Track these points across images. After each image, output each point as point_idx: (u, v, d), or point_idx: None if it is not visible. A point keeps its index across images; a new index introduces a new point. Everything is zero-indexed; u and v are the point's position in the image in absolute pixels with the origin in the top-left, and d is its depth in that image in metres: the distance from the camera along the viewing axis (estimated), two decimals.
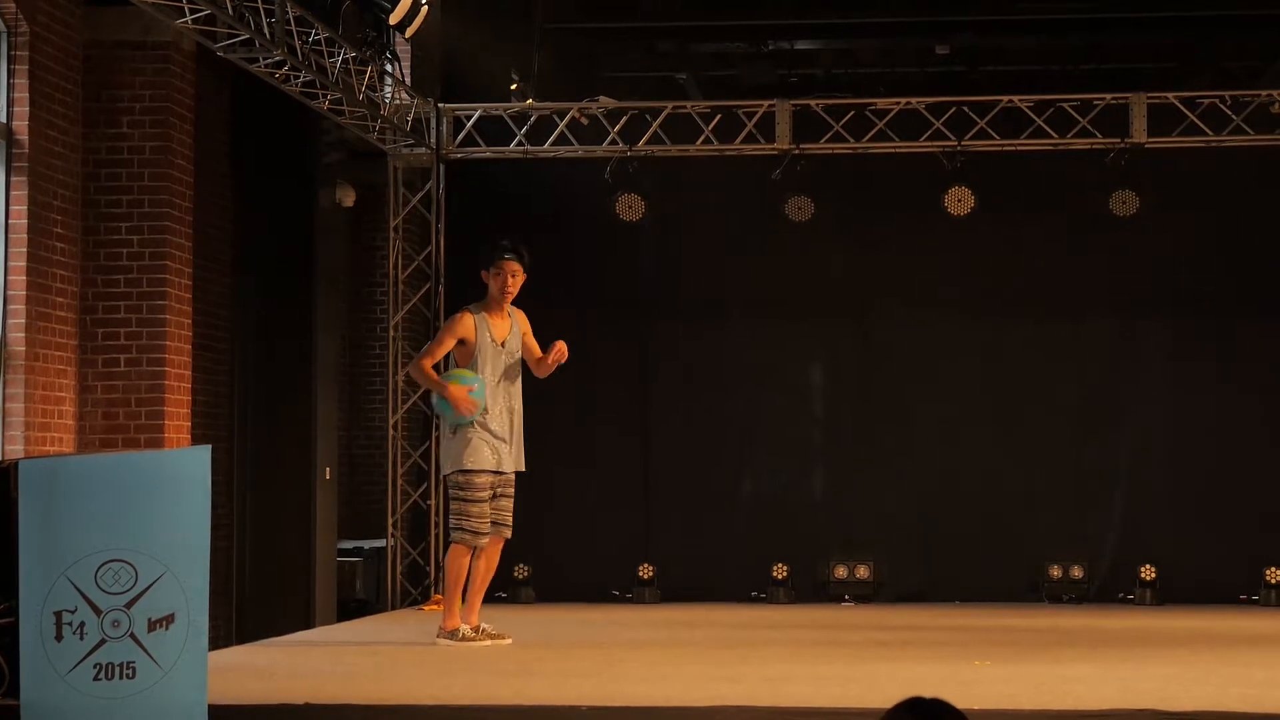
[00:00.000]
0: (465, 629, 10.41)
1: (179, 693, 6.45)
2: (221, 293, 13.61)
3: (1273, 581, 13.95)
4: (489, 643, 10.38)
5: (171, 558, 6.45)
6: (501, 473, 10.40)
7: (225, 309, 13.65)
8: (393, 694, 7.91)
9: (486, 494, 10.32)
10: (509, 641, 10.43)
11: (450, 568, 10.39)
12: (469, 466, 10.31)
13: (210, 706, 6.57)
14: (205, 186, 13.09)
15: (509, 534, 10.52)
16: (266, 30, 11.11)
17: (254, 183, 13.86)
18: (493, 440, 10.35)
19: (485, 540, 10.34)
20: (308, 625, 13.19)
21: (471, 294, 14.63)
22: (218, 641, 11.88)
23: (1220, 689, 8.15)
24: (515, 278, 10.61)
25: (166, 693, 6.43)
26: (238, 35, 11.01)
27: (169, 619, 6.44)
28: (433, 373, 10.43)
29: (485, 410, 10.32)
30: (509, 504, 10.47)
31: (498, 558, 10.60)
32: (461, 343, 10.45)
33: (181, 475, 6.57)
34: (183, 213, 12.44)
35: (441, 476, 10.68)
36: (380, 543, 14.83)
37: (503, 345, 10.49)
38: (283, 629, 12.32)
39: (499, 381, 10.42)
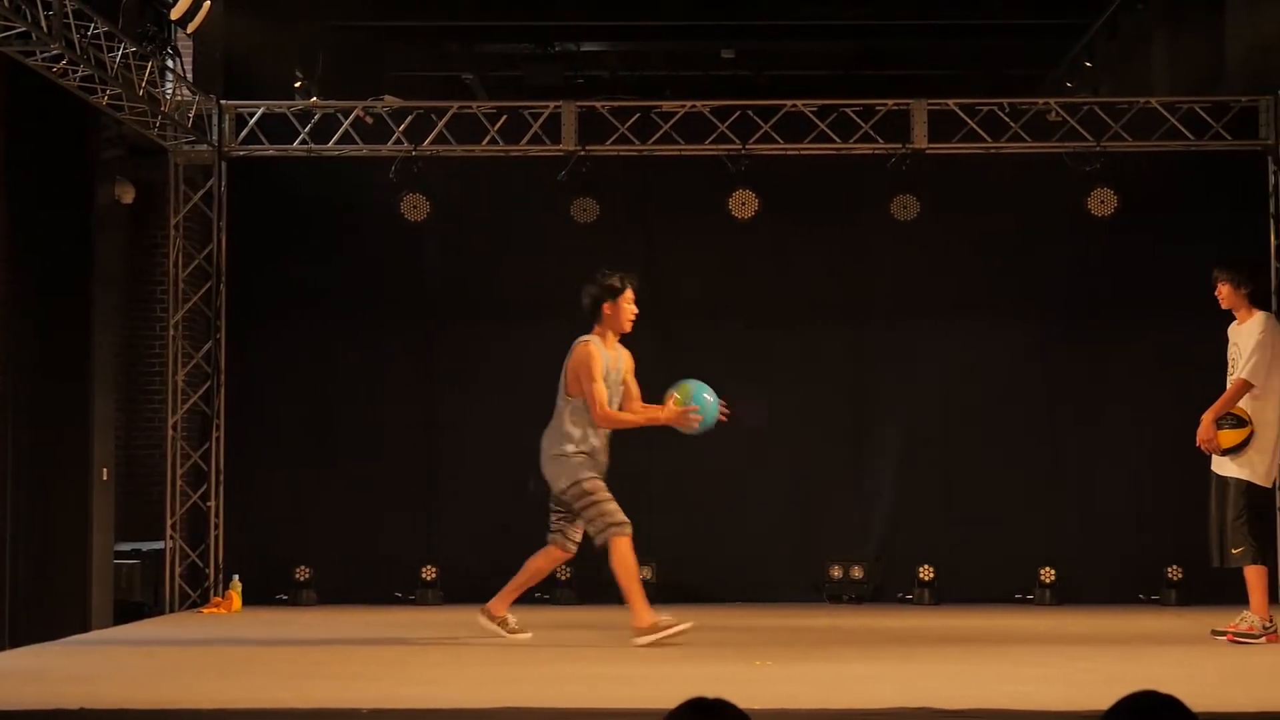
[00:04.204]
0: (662, 619, 10.58)
1: None
2: None
3: (1046, 581, 14.20)
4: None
5: None
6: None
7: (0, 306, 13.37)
8: (171, 698, 7.82)
9: (607, 491, 10.60)
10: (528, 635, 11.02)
11: (620, 567, 10.56)
12: (584, 477, 10.61)
13: None
14: None
15: (574, 550, 10.96)
16: (44, 23, 10.91)
17: (30, 178, 13.57)
18: (593, 462, 10.69)
19: (629, 527, 10.54)
20: (84, 628, 12.96)
21: (256, 292, 14.62)
22: None
23: (994, 686, 8.31)
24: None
25: None
26: (14, 27, 10.79)
27: None
28: (626, 415, 10.84)
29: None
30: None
31: (550, 569, 11.12)
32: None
33: None
34: None
35: (556, 493, 10.83)
36: (159, 544, 14.63)
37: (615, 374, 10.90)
38: (58, 632, 12.10)
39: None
